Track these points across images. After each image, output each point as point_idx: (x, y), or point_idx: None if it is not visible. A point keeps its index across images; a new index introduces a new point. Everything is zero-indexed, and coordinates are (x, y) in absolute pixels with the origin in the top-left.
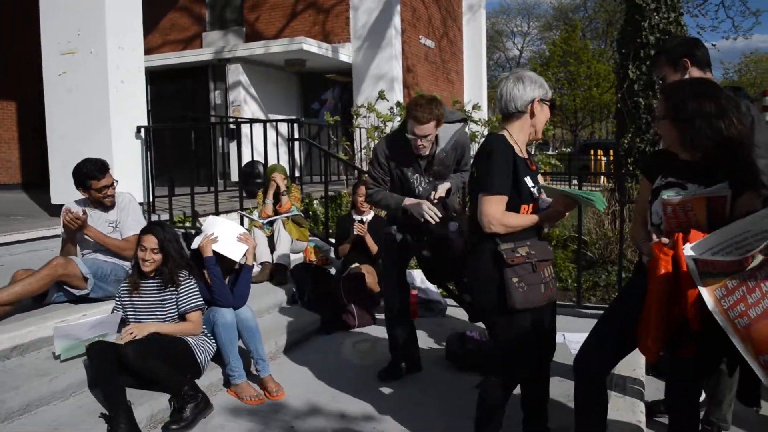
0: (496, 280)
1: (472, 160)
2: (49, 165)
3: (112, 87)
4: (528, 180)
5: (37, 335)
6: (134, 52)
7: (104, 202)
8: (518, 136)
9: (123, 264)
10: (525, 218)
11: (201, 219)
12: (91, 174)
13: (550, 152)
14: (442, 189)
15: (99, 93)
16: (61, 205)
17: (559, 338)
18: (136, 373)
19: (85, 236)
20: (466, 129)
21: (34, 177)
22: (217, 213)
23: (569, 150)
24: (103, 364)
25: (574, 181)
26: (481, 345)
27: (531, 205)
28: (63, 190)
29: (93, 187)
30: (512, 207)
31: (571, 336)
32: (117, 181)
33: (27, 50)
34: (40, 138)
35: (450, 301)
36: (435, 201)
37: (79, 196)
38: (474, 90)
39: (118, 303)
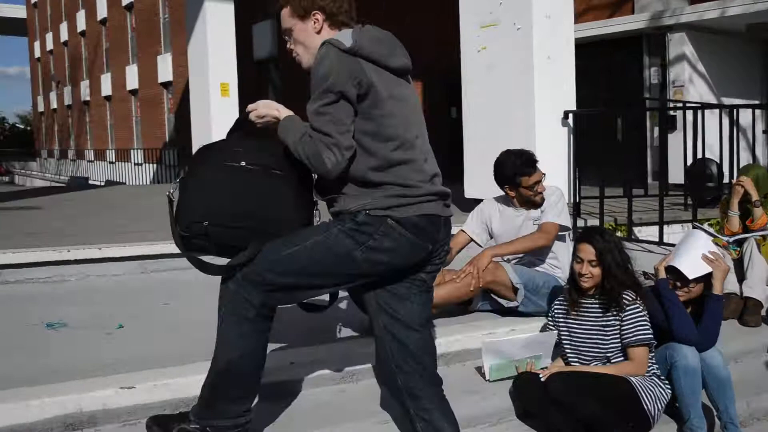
0: None
1: (321, 91)
2: (464, 154)
3: (537, 64)
4: None
5: (464, 346)
6: (563, 23)
7: (535, 201)
8: None
9: (555, 274)
10: None
11: (636, 229)
12: (522, 169)
13: None
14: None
15: (522, 71)
16: (476, 200)
17: None
18: (565, 410)
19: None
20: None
21: (440, 165)
22: (661, 222)
23: None
24: (533, 394)
25: None
26: None
27: None
28: (478, 183)
29: (524, 184)
30: None
31: None
32: (545, 175)
33: (439, 24)
34: (446, 122)
35: None
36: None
37: (497, 190)
38: None
39: (551, 321)
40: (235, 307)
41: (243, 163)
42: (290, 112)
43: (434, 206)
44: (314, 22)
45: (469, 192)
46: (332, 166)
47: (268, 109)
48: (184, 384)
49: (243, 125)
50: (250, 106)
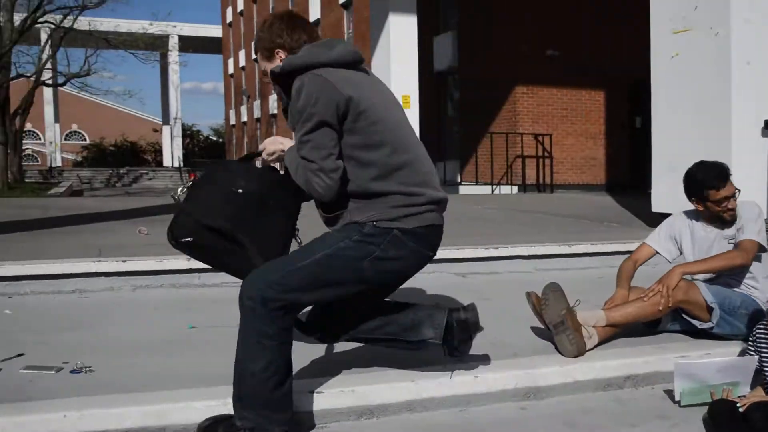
0: None
1: (301, 121)
2: (653, 166)
3: (735, 70)
4: None
5: (654, 368)
6: (765, 25)
7: (723, 217)
8: None
9: (752, 294)
10: None
11: None
12: (711, 182)
13: None
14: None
15: (718, 78)
16: (664, 215)
17: None
18: None
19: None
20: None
21: (620, 178)
22: None
23: None
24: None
25: None
26: None
27: None
28: (667, 196)
29: (711, 198)
30: None
31: None
32: (739, 191)
33: (624, 33)
34: (628, 133)
35: None
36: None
37: (686, 204)
38: None
39: (752, 346)
40: (253, 323)
41: (240, 191)
42: (293, 143)
43: (434, 216)
44: (279, 60)
45: (657, 206)
46: (323, 190)
47: (274, 145)
48: (368, 391)
49: (252, 158)
50: (261, 146)
